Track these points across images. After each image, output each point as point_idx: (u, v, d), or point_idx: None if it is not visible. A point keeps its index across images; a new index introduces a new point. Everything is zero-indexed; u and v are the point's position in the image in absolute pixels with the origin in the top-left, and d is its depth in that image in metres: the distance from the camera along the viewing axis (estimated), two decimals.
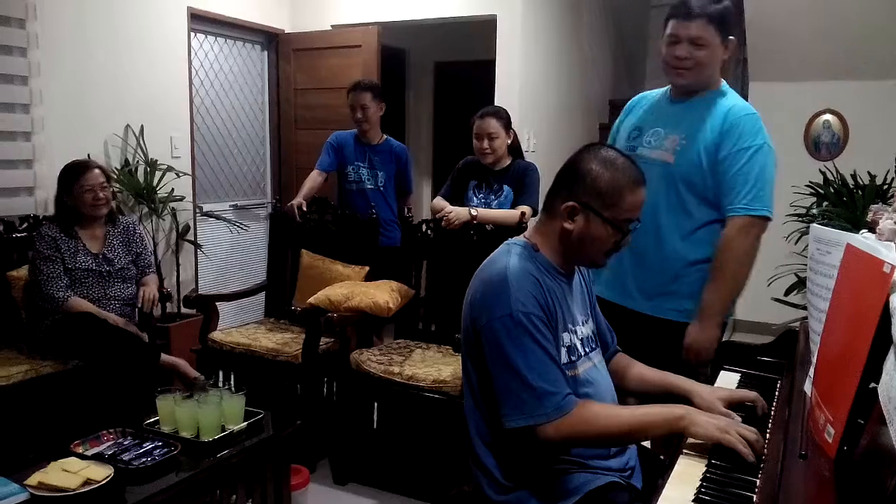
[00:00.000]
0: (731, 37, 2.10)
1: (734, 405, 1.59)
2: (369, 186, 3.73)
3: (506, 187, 3.17)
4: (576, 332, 1.59)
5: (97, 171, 3.01)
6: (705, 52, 2.05)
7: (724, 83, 2.18)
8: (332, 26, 4.91)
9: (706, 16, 2.03)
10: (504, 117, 3.17)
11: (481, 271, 1.56)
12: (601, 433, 1.44)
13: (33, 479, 1.83)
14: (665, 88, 2.28)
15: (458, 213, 3.10)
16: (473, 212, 3.09)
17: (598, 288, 2.22)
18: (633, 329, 2.14)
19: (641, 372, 1.77)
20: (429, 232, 3.27)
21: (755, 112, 2.10)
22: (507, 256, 1.53)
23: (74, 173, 2.97)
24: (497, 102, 4.26)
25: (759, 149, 2.05)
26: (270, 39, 4.97)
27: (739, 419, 1.48)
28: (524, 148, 3.49)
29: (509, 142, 3.18)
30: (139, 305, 3.11)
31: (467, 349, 1.56)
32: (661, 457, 1.67)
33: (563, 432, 1.42)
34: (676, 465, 1.36)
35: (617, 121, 2.42)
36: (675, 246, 2.13)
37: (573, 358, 1.55)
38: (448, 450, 2.74)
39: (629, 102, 2.40)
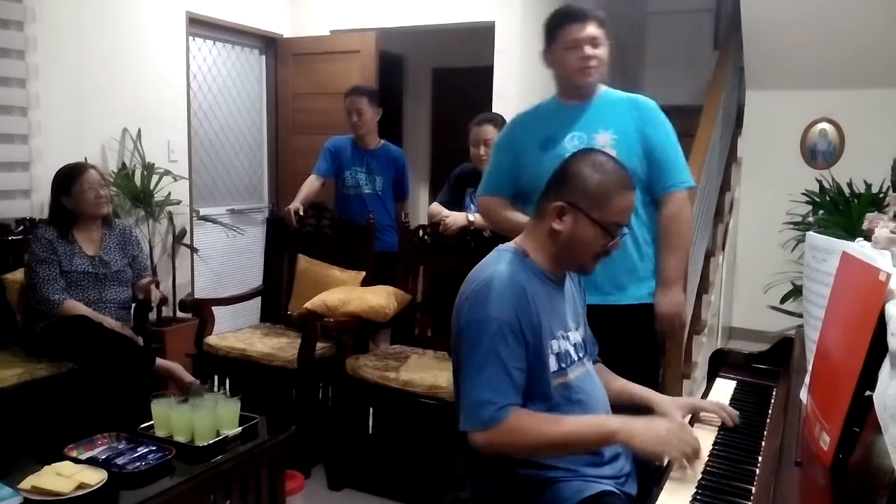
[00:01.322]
0: (609, 40, 2.23)
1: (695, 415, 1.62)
2: (367, 191, 3.73)
3: None
4: (568, 338, 1.59)
5: (94, 171, 3.02)
6: (603, 51, 2.20)
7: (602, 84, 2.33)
8: (330, 31, 4.91)
9: (595, 18, 2.19)
10: (501, 124, 3.17)
11: (470, 277, 1.57)
12: (529, 445, 1.45)
13: (27, 483, 1.82)
14: (549, 99, 2.36)
15: (455, 218, 3.11)
16: (471, 217, 3.09)
17: None
18: (613, 323, 2.15)
19: (610, 382, 1.77)
20: (426, 237, 3.27)
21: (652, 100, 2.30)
22: (497, 263, 1.54)
23: (73, 174, 2.97)
24: (495, 109, 4.26)
25: (672, 128, 2.26)
26: (269, 44, 4.98)
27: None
28: None
29: None
30: (150, 303, 3.11)
31: (455, 355, 1.57)
32: (657, 462, 1.68)
33: (491, 442, 1.43)
34: (672, 472, 1.36)
35: (503, 139, 2.42)
36: (632, 233, 2.22)
37: (563, 365, 1.55)
38: (443, 456, 2.73)
39: (513, 120, 2.44)
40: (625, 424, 1.41)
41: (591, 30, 2.17)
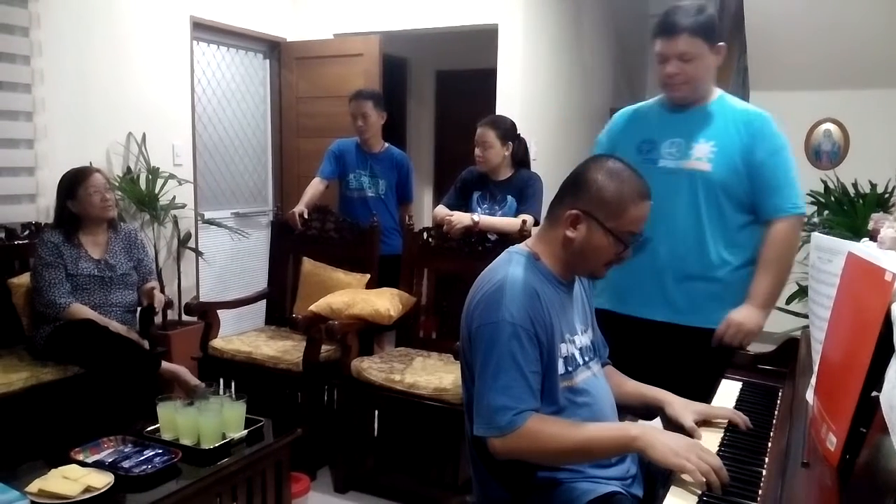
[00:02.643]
0: (720, 43, 2.10)
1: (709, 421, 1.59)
2: (370, 194, 3.74)
3: (509, 197, 3.18)
4: (574, 342, 1.58)
5: (99, 174, 3.03)
6: (694, 65, 2.06)
7: (719, 90, 2.20)
8: (333, 35, 4.92)
9: (689, 29, 2.04)
10: (501, 128, 3.17)
11: (481, 279, 1.56)
12: (546, 451, 1.43)
13: (33, 487, 1.83)
14: (657, 100, 2.27)
15: (459, 217, 3.11)
16: (476, 217, 3.09)
17: (633, 308, 2.22)
18: (680, 344, 2.13)
19: (621, 383, 1.76)
20: (430, 240, 3.27)
21: (769, 114, 2.15)
22: (508, 266, 1.53)
23: (79, 178, 2.98)
24: (498, 111, 4.27)
25: (787, 148, 2.11)
26: (272, 48, 4.99)
27: (702, 436, 1.49)
28: None
29: (507, 154, 3.18)
30: (154, 308, 3.11)
31: (465, 357, 1.57)
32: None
33: (509, 447, 1.42)
34: (678, 473, 1.35)
35: (604, 137, 2.37)
36: (719, 253, 2.12)
37: (570, 368, 1.55)
38: (449, 458, 2.73)
39: (617, 117, 2.37)
40: (645, 432, 1.39)
41: (680, 45, 2.04)
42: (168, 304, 3.29)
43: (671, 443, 1.35)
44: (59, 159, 3.43)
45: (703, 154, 2.10)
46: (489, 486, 1.57)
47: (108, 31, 3.79)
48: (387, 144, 3.82)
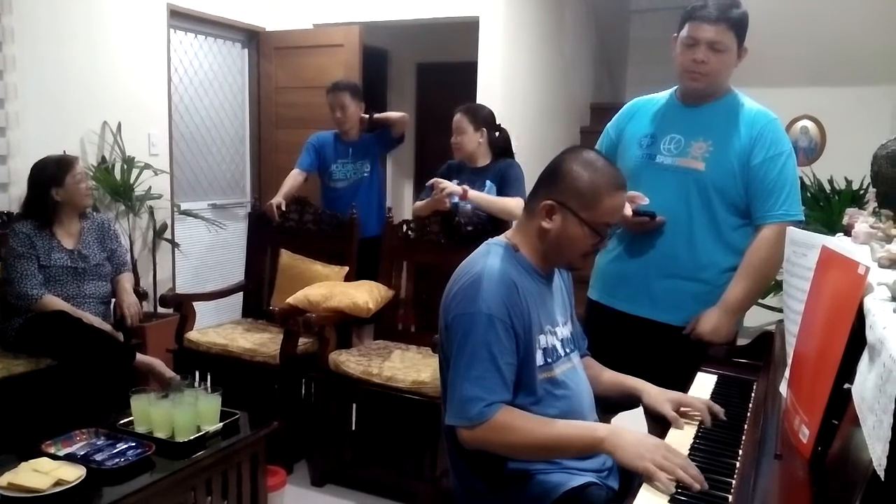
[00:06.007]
0: (745, 45, 2.06)
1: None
2: (356, 178, 3.75)
3: (488, 182, 3.14)
4: (555, 333, 1.59)
5: (79, 162, 3.00)
6: (721, 58, 2.01)
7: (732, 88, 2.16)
8: (313, 25, 4.88)
9: (727, 20, 1.99)
10: (474, 115, 3.14)
11: (459, 270, 1.56)
12: (513, 444, 1.43)
13: (3, 480, 1.80)
14: (668, 93, 2.23)
15: (449, 185, 3.03)
16: (466, 187, 2.98)
17: (619, 303, 2.21)
18: (657, 341, 2.12)
19: (599, 375, 1.77)
20: (409, 232, 3.26)
21: (777, 117, 2.10)
22: (486, 257, 1.53)
23: (65, 165, 2.93)
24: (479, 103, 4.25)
25: (789, 154, 2.05)
26: (251, 37, 4.93)
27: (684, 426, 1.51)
28: None
29: (481, 140, 3.14)
30: (127, 323, 3.05)
31: (442, 348, 1.56)
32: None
33: (477, 438, 1.43)
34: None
35: (612, 126, 2.33)
36: (709, 255, 2.09)
37: (549, 360, 1.55)
38: (427, 451, 2.73)
39: (626, 108, 2.31)
40: (612, 434, 1.39)
41: (715, 33, 1.98)
42: (143, 296, 3.25)
43: (638, 445, 1.35)
44: (31, 148, 3.36)
45: (699, 152, 2.07)
46: (465, 475, 1.57)
47: (82, 16, 3.72)
48: (364, 135, 3.82)
